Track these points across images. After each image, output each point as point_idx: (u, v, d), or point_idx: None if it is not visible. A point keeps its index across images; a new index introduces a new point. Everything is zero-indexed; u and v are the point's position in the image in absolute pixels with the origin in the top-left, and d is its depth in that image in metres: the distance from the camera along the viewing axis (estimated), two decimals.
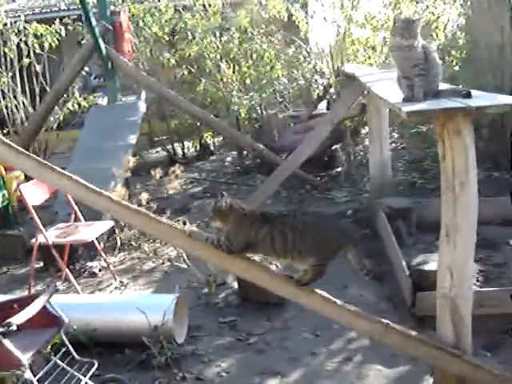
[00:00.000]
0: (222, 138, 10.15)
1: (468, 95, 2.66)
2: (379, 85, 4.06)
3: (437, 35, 9.21)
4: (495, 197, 6.33)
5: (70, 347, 3.43)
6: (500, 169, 7.56)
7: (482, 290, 4.05)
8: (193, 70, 8.85)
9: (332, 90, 8.53)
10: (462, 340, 2.86)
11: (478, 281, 4.55)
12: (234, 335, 4.07)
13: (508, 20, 7.28)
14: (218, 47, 8.35)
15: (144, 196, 5.51)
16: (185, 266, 4.82)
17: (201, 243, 2.77)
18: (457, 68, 8.81)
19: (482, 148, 8.28)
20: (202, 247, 2.78)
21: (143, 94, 8.41)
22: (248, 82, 8.41)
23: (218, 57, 8.43)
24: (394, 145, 9.18)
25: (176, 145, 9.94)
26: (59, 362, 3.39)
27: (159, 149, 10.34)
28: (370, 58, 8.88)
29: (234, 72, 8.45)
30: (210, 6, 8.64)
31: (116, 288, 5.09)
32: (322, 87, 8.62)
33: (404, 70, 2.82)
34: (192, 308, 4.41)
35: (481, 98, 2.63)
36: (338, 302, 2.80)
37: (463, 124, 2.51)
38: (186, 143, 10.08)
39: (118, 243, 5.80)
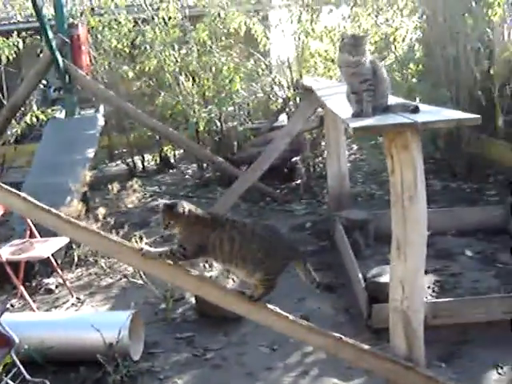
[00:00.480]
0: (182, 151, 10.11)
1: (416, 110, 2.69)
2: (333, 99, 4.08)
3: (395, 48, 9.32)
4: (452, 207, 6.44)
5: (21, 367, 3.38)
6: (457, 179, 7.70)
7: (437, 300, 4.10)
8: (152, 83, 8.81)
9: (292, 103, 8.59)
10: (415, 352, 2.88)
11: (433, 291, 4.61)
12: (190, 351, 4.04)
13: (462, 32, 7.43)
14: (176, 60, 8.32)
15: (101, 211, 5.46)
16: (141, 281, 4.76)
17: (153, 260, 2.75)
18: (414, 80, 8.95)
19: (439, 159, 8.45)
20: (154, 265, 2.76)
21: (101, 108, 8.34)
22: (208, 94, 8.40)
23: (177, 70, 8.39)
24: (353, 156, 9.27)
25: (136, 158, 9.87)
26: (10, 382, 3.33)
27: (119, 162, 10.25)
28: (329, 70, 8.96)
29: (193, 85, 8.42)
30: (169, 18, 8.61)
31: (73, 305, 5.02)
32: (281, 100, 8.68)
33: (353, 85, 2.84)
34: (149, 324, 4.37)
35: (428, 113, 2.67)
36: (291, 317, 2.79)
37: (411, 139, 2.54)
38: (146, 156, 10.02)
39: (75, 259, 5.72)
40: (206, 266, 4.83)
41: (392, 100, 2.99)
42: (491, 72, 7.86)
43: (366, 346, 2.90)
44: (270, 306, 2.80)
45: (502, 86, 8.16)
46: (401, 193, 2.64)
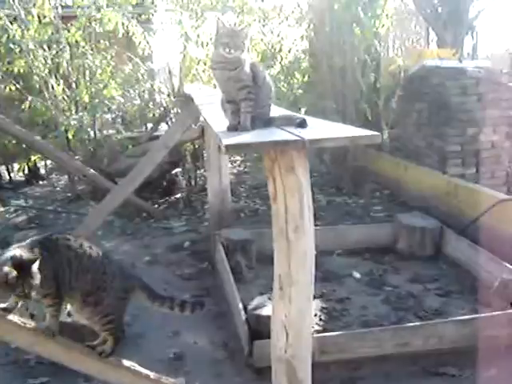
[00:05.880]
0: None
1: (302, 124, 2.27)
2: (211, 108, 3.62)
3: (281, 58, 9.08)
4: (338, 223, 6.20)
5: None
6: (342, 194, 7.51)
7: (325, 335, 3.70)
8: (18, 86, 8.00)
9: (175, 111, 8.09)
10: None
11: (320, 320, 4.24)
12: None
13: (350, 43, 7.24)
14: (46, 62, 7.59)
15: None
16: None
17: None
18: (300, 91, 8.72)
19: (324, 172, 8.25)
20: None
21: None
22: (81, 100, 7.72)
23: (47, 72, 7.65)
24: (237, 169, 8.90)
25: (3, 168, 8.98)
26: None
27: None
28: (212, 78, 8.53)
29: (64, 90, 7.72)
30: (44, 17, 7.84)
31: None
32: (162, 108, 8.16)
33: (229, 92, 2.37)
34: None
35: (317, 129, 2.24)
36: (152, 375, 2.28)
37: (297, 159, 2.11)
38: (15, 166, 9.15)
39: None
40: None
41: (275, 111, 2.56)
42: (377, 85, 7.74)
43: None
44: (126, 362, 2.28)
45: (386, 99, 8.07)
46: (285, 223, 2.21)
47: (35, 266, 2.08)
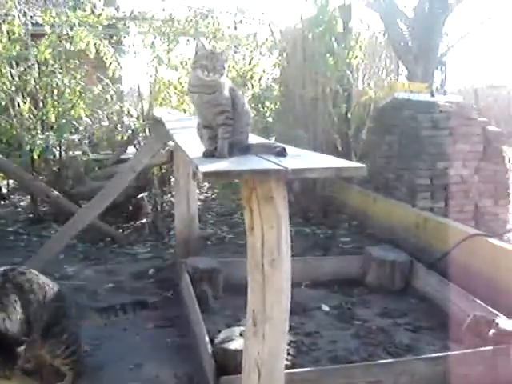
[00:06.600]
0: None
1: (282, 153, 2.17)
2: (184, 133, 3.52)
3: (252, 86, 9.05)
4: (306, 254, 6.11)
5: None
6: (311, 224, 7.41)
7: (294, 370, 3.57)
8: None
9: (144, 134, 7.97)
10: None
11: (289, 354, 4.11)
12: None
13: (323, 73, 7.23)
14: (13, 79, 7.43)
15: None
16: None
17: None
18: (270, 119, 8.67)
19: (293, 202, 8.16)
20: None
21: None
22: (48, 119, 7.54)
23: (14, 89, 7.47)
24: (204, 195, 8.78)
25: None
26: None
27: None
28: (183, 103, 8.50)
29: (30, 108, 7.54)
30: (13, 33, 7.67)
31: None
32: (130, 130, 8.02)
33: (206, 117, 2.26)
34: None
35: (297, 158, 2.15)
36: None
37: (276, 189, 2.01)
38: None
39: None
40: None
41: (252, 139, 2.46)
42: (348, 116, 7.73)
43: None
44: None
45: (357, 130, 8.07)
46: (260, 256, 2.10)
47: (21, 348, 1.84)
